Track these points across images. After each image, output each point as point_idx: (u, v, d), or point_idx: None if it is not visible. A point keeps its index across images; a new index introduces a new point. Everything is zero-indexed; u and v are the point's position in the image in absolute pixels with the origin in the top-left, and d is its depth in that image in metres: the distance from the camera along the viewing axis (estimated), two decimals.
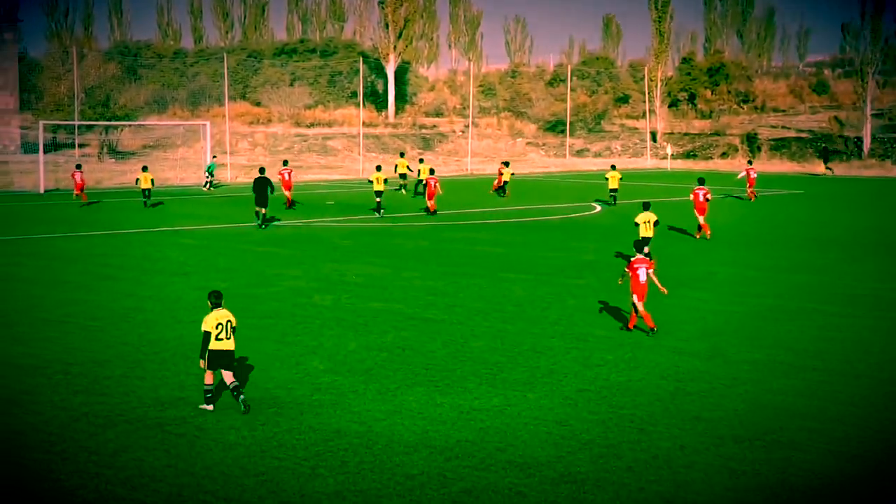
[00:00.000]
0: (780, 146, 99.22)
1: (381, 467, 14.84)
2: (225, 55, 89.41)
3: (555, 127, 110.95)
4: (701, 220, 41.11)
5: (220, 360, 17.38)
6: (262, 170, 46.43)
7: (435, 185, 49.53)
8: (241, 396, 17.36)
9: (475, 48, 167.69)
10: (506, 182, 60.91)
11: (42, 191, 60.37)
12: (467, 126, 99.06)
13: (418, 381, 19.31)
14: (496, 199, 58.62)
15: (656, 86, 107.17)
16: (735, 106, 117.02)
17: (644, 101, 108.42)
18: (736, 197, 61.05)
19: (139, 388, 18.65)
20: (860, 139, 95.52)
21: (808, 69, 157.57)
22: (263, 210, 43.98)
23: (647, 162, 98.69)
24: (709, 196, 41.23)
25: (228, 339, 17.42)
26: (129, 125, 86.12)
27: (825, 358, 21.47)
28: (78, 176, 54.10)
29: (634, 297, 23.51)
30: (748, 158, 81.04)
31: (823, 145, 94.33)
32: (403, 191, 62.85)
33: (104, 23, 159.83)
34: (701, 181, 42.02)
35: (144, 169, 55.02)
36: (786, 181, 76.73)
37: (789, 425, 16.90)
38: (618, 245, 37.45)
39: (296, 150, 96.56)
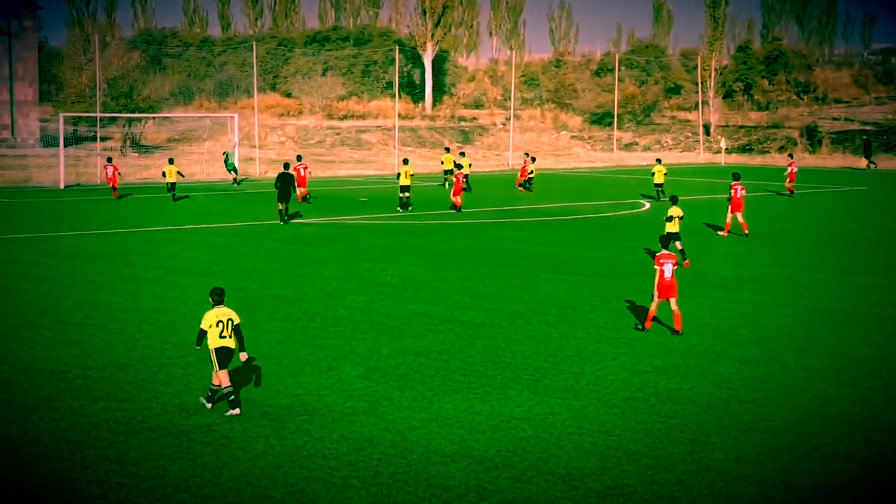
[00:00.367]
0: (842, 139, 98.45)
1: (416, 479, 14.87)
2: (254, 44, 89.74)
3: (601, 119, 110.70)
4: (739, 217, 40.98)
5: (228, 357, 17.73)
6: (286, 165, 46.79)
7: (461, 181, 49.44)
8: (232, 400, 17.64)
9: (517, 36, 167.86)
10: (532, 177, 61.01)
11: (62, 186, 60.84)
12: (508, 118, 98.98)
13: (456, 388, 19.33)
14: (537, 195, 58.52)
15: (710, 76, 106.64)
16: (794, 97, 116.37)
17: (697, 92, 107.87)
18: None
19: (162, 393, 18.77)
20: None
21: (873, 57, 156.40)
22: (284, 205, 44.47)
23: (700, 156, 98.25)
24: (743, 192, 41.22)
25: (230, 337, 17.69)
26: (154, 117, 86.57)
27: (889, 366, 21.32)
28: (110, 170, 54.84)
29: (656, 294, 23.68)
30: (789, 152, 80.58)
31: (865, 137, 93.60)
32: (447, 185, 62.88)
33: (127, 10, 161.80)
34: (736, 176, 41.92)
35: (171, 161, 55.58)
36: (846, 176, 76.14)
37: (849, 437, 16.80)
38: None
39: (328, 143, 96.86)
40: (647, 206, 53.94)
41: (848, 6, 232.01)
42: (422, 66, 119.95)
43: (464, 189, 58.84)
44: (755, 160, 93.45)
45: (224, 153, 67.85)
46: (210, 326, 17.62)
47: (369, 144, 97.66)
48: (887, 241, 41.17)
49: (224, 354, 17.65)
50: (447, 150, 72.53)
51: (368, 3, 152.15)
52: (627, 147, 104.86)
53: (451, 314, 26.04)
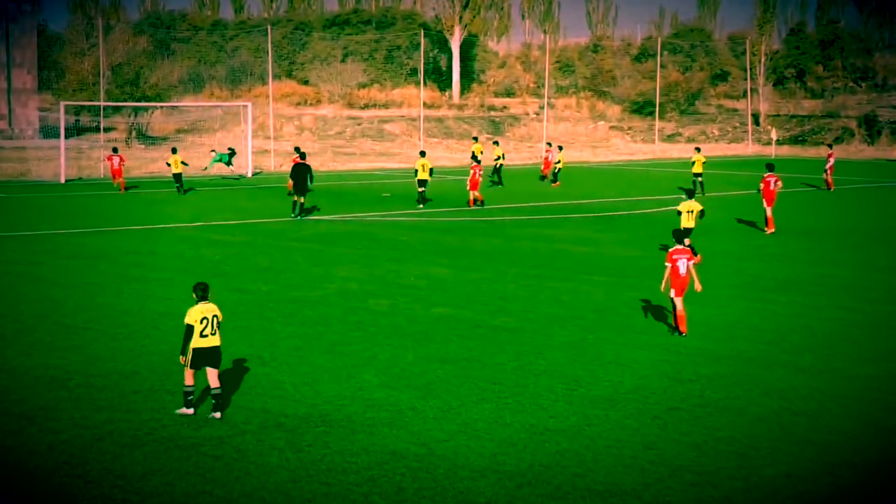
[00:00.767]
0: None
1: (442, 494, 14.85)
2: (269, 27, 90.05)
3: (642, 108, 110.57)
4: (768, 211, 40.96)
5: (205, 358, 17.83)
6: (303, 155, 46.89)
7: (477, 175, 49.15)
8: (219, 407, 17.74)
9: (551, 19, 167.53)
10: (559, 169, 61.01)
11: (63, 180, 61.10)
12: (542, 107, 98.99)
13: (485, 398, 19.31)
14: (573, 190, 58.44)
15: (759, 61, 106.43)
16: (851, 84, 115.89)
17: (745, 79, 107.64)
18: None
19: (170, 403, 18.78)
20: None
21: None
22: (302, 199, 44.63)
23: (749, 148, 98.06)
24: (779, 184, 41.16)
25: (214, 334, 17.90)
26: (161, 106, 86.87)
27: None
28: (115, 160, 55.09)
29: (672, 292, 23.75)
30: (828, 142, 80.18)
31: None
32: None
33: None
34: (770, 167, 41.86)
35: (174, 151, 55.65)
36: None
37: None
38: (723, 241, 37.15)
39: (348, 134, 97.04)
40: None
41: None
42: (449, 52, 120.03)
43: (495, 182, 58.85)
44: (808, 152, 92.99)
45: (212, 150, 68.17)
46: (195, 323, 17.70)
47: (392, 136, 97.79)
48: None
49: (203, 354, 17.79)
50: (475, 139, 72.54)
51: None
52: (670, 138, 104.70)
53: (481, 318, 26.01)
